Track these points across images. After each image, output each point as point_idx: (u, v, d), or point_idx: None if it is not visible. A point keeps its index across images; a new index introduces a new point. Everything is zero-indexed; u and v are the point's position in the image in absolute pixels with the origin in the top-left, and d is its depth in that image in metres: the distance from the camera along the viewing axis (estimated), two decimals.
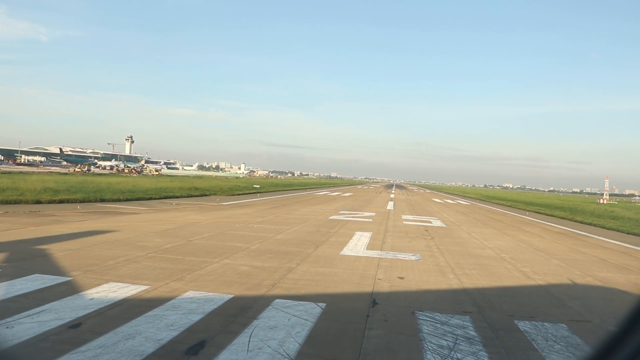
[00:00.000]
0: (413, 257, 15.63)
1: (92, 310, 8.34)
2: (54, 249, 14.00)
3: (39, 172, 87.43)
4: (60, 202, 30.52)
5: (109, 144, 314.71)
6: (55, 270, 11.26)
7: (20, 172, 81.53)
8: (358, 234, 21.25)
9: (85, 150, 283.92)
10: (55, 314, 8.05)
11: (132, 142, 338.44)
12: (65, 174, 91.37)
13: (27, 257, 12.74)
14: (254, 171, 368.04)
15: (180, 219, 24.02)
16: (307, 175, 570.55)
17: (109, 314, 8.23)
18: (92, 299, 9.03)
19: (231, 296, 9.64)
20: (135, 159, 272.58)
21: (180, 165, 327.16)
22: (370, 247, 17.54)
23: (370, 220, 28.98)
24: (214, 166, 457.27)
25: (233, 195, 52.77)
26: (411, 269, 13.71)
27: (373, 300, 9.92)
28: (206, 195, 48.96)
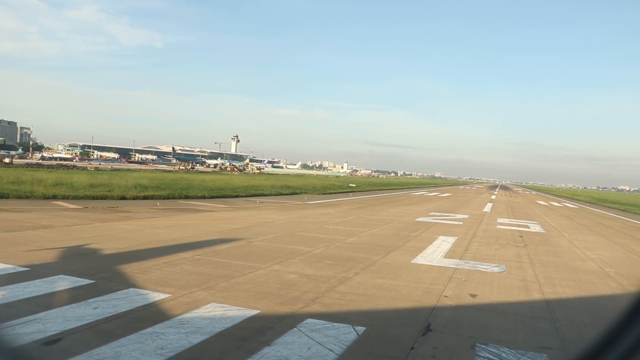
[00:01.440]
0: (496, 269, 13.38)
1: (85, 322, 7.15)
2: (101, 247, 13.25)
3: (145, 170, 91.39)
4: (145, 198, 30.67)
5: (215, 143, 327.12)
6: (84, 271, 10.31)
7: (129, 170, 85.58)
8: (441, 238, 19.10)
9: (193, 149, 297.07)
10: (41, 325, 6.93)
11: (238, 141, 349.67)
12: (169, 171, 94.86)
13: (69, 255, 12.02)
14: (356, 170, 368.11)
15: (253, 218, 23.01)
16: (410, 175, 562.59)
17: (101, 328, 6.99)
18: (96, 307, 7.87)
19: (256, 312, 8.13)
20: (240, 158, 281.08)
21: (284, 164, 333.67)
22: (449, 254, 15.42)
23: (460, 223, 26.53)
24: (317, 165, 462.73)
25: (324, 194, 51.66)
26: (489, 283, 11.54)
27: (427, 325, 8.00)
28: (296, 194, 48.18)
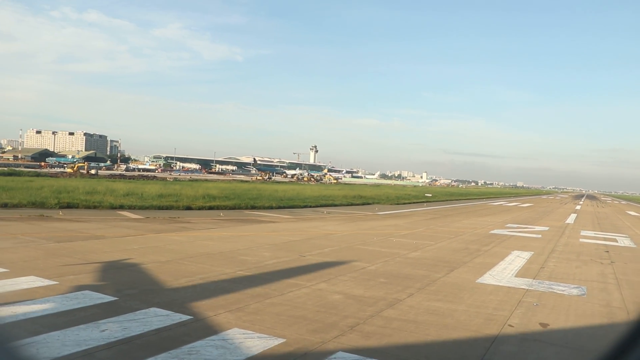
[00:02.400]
0: (575, 291, 11.63)
1: (83, 348, 6.34)
2: (142, 260, 12.64)
3: (221, 180, 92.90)
4: (210, 208, 30.42)
5: (294, 153, 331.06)
6: (111, 287, 9.64)
7: (206, 180, 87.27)
8: (514, 253, 17.32)
9: (272, 160, 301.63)
10: (34, 350, 6.21)
11: (316, 151, 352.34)
12: (246, 181, 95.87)
13: (105, 268, 11.46)
14: (435, 180, 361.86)
15: (315, 230, 22.03)
16: (492, 184, 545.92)
17: (97, 356, 6.15)
18: (104, 330, 7.06)
19: (281, 341, 7.04)
20: (318, 168, 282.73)
21: (362, 173, 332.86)
22: (521, 272, 13.72)
23: (539, 236, 24.36)
24: (395, 175, 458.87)
25: (398, 204, 50.10)
26: (565, 309, 9.88)
27: None
28: (368, 204, 46.91)
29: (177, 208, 29.08)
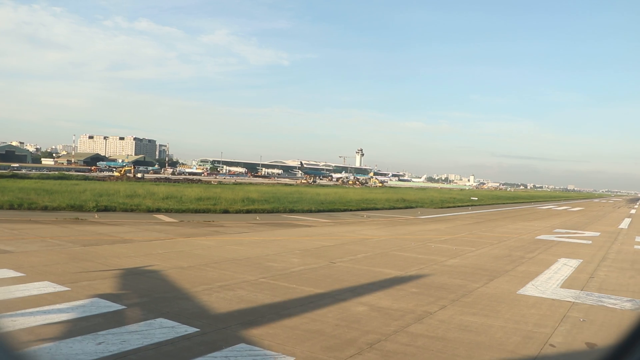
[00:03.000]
0: (627, 305, 10.50)
1: None
2: (164, 265, 12.21)
3: (265, 183, 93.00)
4: (248, 212, 30.07)
5: (340, 156, 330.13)
6: (123, 295, 9.20)
7: (250, 183, 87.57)
8: (561, 261, 16.15)
9: (318, 163, 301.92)
10: None
11: (362, 155, 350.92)
12: (290, 184, 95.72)
13: (123, 275, 11.06)
14: (483, 183, 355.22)
15: (351, 234, 21.29)
16: (541, 187, 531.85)
17: None
18: (100, 343, 6.54)
19: None
20: (364, 171, 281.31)
21: (409, 176, 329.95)
22: (567, 283, 12.62)
23: (589, 242, 22.90)
24: (442, 178, 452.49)
25: (441, 208, 48.84)
26: (616, 327, 8.78)
27: None
28: (411, 207, 45.82)
29: (214, 211, 28.87)
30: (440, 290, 11.03)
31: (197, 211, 28.30)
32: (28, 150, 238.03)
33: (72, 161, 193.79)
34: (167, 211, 27.11)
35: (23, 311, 7.81)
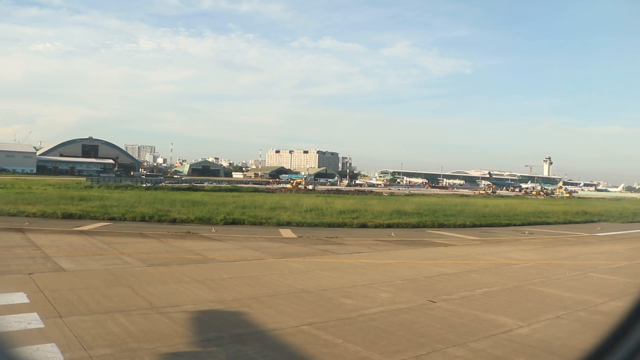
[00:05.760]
0: None
1: None
2: (200, 297, 9.98)
3: (435, 194, 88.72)
4: (389, 226, 27.25)
5: (526, 166, 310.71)
6: (89, 341, 7.07)
7: (422, 194, 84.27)
8: None
9: (502, 173, 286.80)
10: None
11: (551, 163, 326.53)
12: (465, 196, 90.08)
13: (129, 310, 9.06)
14: None
15: (491, 257, 17.36)
16: None
17: None
18: None
19: None
20: (552, 181, 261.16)
21: (603, 186, 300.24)
22: None
23: None
24: None
25: (631, 222, 41.21)
26: None
27: None
28: (592, 221, 39.17)
29: (351, 225, 26.62)
30: None
31: (331, 225, 26.16)
32: (222, 165, 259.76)
33: (259, 174, 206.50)
34: (299, 225, 25.40)
35: None
